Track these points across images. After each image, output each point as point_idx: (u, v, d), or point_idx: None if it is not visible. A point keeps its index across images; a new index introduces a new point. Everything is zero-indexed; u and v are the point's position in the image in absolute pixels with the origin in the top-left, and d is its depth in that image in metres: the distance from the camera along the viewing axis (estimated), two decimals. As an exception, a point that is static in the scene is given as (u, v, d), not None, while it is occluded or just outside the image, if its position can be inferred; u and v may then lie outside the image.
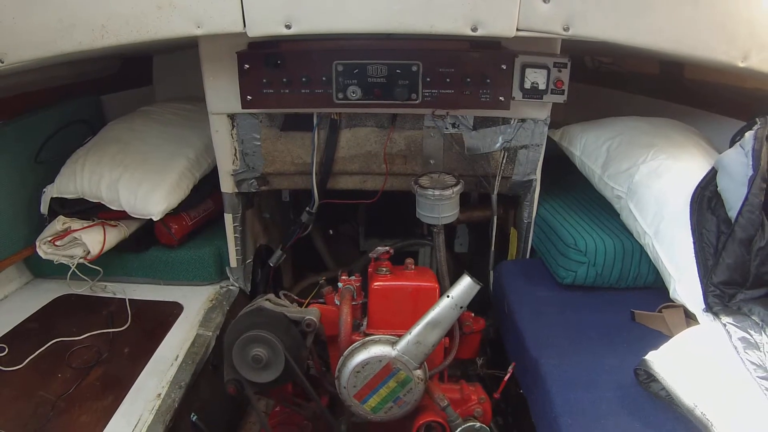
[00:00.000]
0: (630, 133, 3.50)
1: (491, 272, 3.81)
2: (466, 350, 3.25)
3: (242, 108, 3.15)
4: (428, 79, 3.05)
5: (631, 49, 2.91)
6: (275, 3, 2.65)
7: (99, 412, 2.74)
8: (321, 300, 3.12)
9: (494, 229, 3.69)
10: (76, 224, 3.64)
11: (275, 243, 4.29)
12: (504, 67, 3.03)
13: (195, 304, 3.65)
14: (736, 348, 2.51)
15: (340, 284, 3.04)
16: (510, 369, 2.99)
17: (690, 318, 2.83)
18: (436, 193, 3.04)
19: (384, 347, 2.63)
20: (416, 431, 2.83)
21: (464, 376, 3.39)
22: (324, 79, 3.05)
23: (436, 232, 3.21)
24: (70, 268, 3.59)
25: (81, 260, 3.60)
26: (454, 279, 2.68)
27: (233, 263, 3.88)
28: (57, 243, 3.60)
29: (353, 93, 3.05)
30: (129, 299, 3.60)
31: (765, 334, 2.56)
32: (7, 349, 3.14)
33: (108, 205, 3.63)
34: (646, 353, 2.45)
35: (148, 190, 3.58)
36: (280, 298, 3.02)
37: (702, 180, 3.03)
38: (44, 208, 3.76)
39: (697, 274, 2.83)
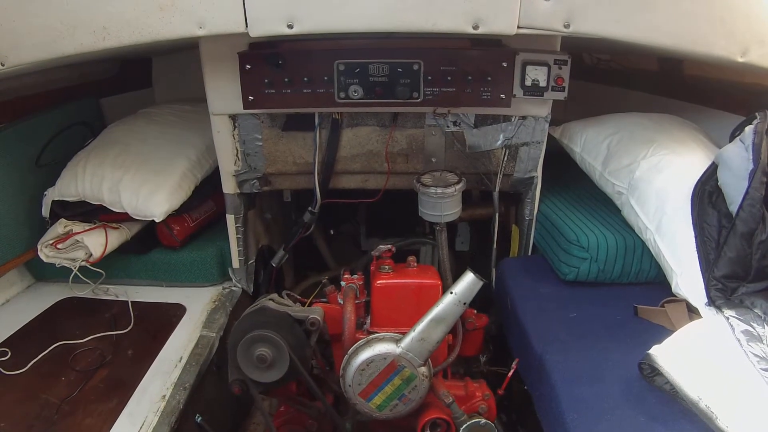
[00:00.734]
0: (630, 129, 3.50)
1: (493, 269, 3.81)
2: (469, 347, 3.25)
3: (244, 108, 3.16)
4: (429, 78, 3.06)
5: (631, 46, 2.91)
6: (277, 3, 2.66)
7: (104, 415, 2.74)
8: (324, 299, 3.12)
9: (496, 226, 3.69)
10: (77, 227, 3.64)
11: (277, 243, 4.30)
12: (505, 64, 3.04)
13: (198, 306, 3.65)
14: (739, 341, 2.51)
15: (342, 283, 3.04)
16: (514, 365, 2.99)
17: (692, 312, 2.83)
18: (438, 191, 3.04)
19: (388, 345, 2.64)
20: (421, 428, 2.83)
21: (468, 373, 3.39)
22: (325, 78, 3.06)
23: (439, 230, 3.21)
24: (72, 271, 3.59)
25: (83, 263, 3.60)
26: (456, 277, 2.68)
27: (236, 264, 3.88)
28: (59, 246, 3.60)
29: (355, 92, 3.06)
30: (132, 301, 3.60)
31: (767, 326, 2.57)
32: (10, 353, 3.13)
33: (110, 207, 3.63)
34: (650, 347, 2.44)
35: (150, 192, 3.58)
36: (283, 297, 3.03)
37: (702, 175, 3.03)
38: (46, 211, 3.76)
39: (699, 269, 2.83)
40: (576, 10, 2.67)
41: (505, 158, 3.43)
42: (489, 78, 3.06)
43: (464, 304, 2.60)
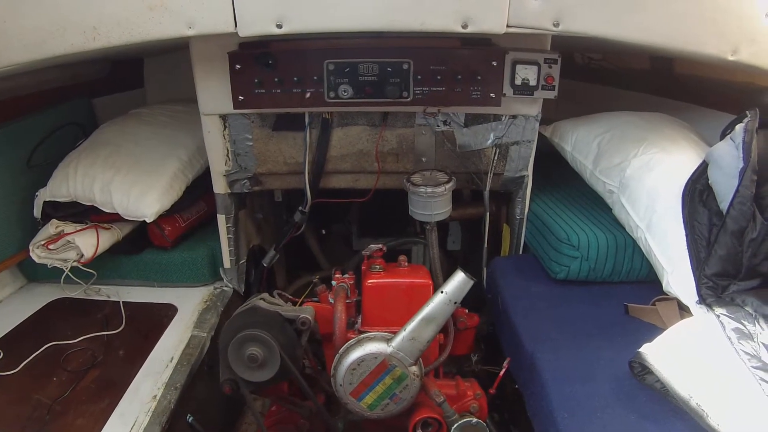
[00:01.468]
0: (621, 128, 3.51)
1: (485, 269, 3.81)
2: (461, 346, 3.25)
3: (234, 108, 3.16)
4: (419, 77, 3.06)
5: (621, 45, 2.92)
6: (266, 2, 2.66)
7: (95, 415, 2.74)
8: (315, 299, 3.12)
9: (487, 225, 3.69)
10: (69, 227, 3.64)
11: (269, 243, 4.29)
12: (494, 63, 3.05)
13: (189, 306, 3.65)
14: (730, 339, 2.52)
15: (333, 282, 3.05)
16: (505, 364, 3.00)
17: (683, 310, 2.83)
18: (428, 191, 3.04)
19: (379, 344, 2.64)
20: (413, 428, 2.83)
21: (460, 372, 3.40)
22: (315, 78, 3.06)
23: (429, 230, 3.22)
24: (64, 271, 3.58)
25: (75, 263, 3.59)
26: (447, 276, 2.68)
27: (227, 264, 3.88)
28: (50, 247, 3.59)
29: (345, 92, 3.06)
30: (123, 302, 3.60)
31: (758, 324, 2.57)
32: (2, 354, 3.13)
33: (101, 208, 3.63)
34: (641, 346, 2.44)
35: (141, 192, 3.58)
36: (274, 297, 3.03)
37: (693, 173, 3.04)
38: (37, 212, 3.76)
39: (690, 267, 2.84)
40: (565, 9, 2.68)
41: (496, 157, 3.43)
42: (479, 77, 3.06)
43: (455, 303, 2.60)
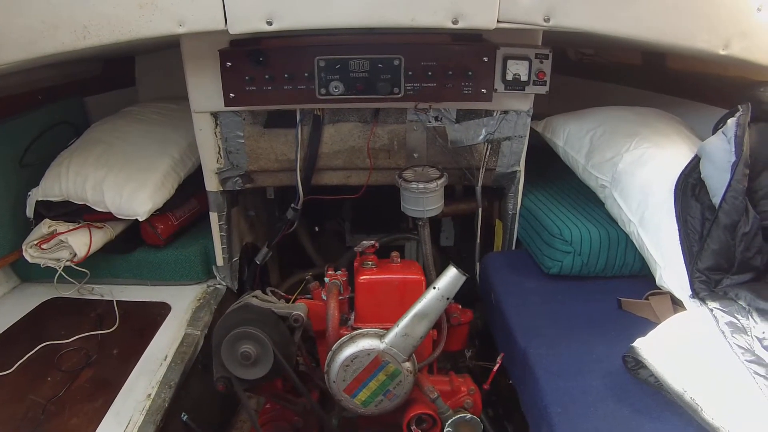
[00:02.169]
0: (613, 123, 3.51)
1: (477, 264, 3.82)
2: (454, 342, 3.25)
3: (225, 106, 3.15)
4: (410, 73, 3.06)
5: (613, 39, 2.92)
6: (256, 0, 2.66)
7: (90, 415, 2.74)
8: (308, 296, 3.12)
9: (479, 221, 3.70)
10: (62, 227, 3.64)
11: (261, 241, 4.30)
12: (486, 59, 3.05)
13: (183, 304, 3.64)
14: (723, 333, 2.52)
15: (326, 279, 3.05)
16: (499, 360, 3.00)
17: (677, 304, 2.84)
18: (420, 186, 3.05)
19: (372, 340, 2.64)
20: (407, 424, 2.84)
21: (454, 368, 3.40)
22: (306, 75, 3.06)
23: (422, 226, 3.23)
24: (57, 271, 3.58)
25: (68, 263, 3.59)
26: (440, 272, 2.68)
27: (220, 262, 3.88)
28: (43, 246, 3.59)
29: (336, 88, 3.06)
30: (117, 301, 3.59)
31: (752, 318, 2.57)
32: (-4, 354, 3.13)
33: (93, 207, 3.62)
34: (634, 340, 2.44)
35: (133, 191, 3.58)
36: (267, 294, 3.02)
37: (685, 167, 3.04)
38: (30, 212, 3.75)
39: (683, 261, 2.85)
40: (556, 4, 2.68)
41: (488, 153, 3.43)
42: (470, 73, 3.06)
43: (447, 299, 2.61)
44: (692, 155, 3.10)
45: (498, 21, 2.70)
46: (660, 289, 2.94)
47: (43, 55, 2.82)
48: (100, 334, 3.33)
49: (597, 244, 3.17)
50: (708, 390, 2.20)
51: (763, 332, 2.50)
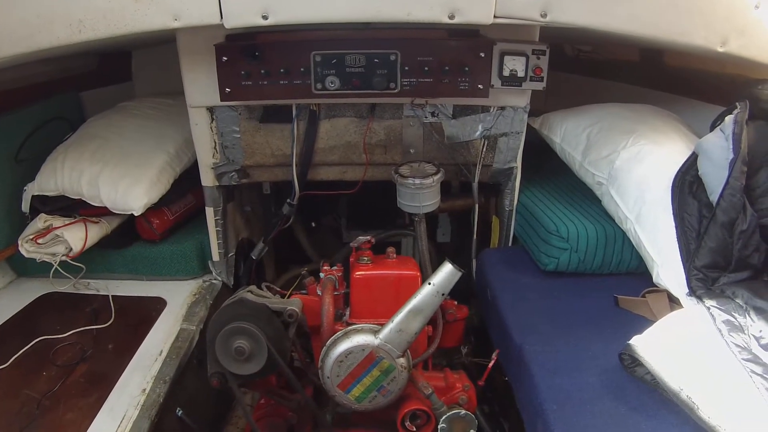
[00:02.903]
0: (610, 120, 3.51)
1: (474, 261, 3.82)
2: (450, 338, 3.26)
3: (221, 100, 3.14)
4: (406, 68, 3.05)
5: (610, 36, 2.92)
6: (252, -6, 2.65)
7: (84, 409, 2.74)
8: (303, 291, 3.12)
9: (476, 217, 3.70)
10: (57, 222, 3.63)
11: (257, 236, 4.30)
12: (482, 54, 3.03)
13: (178, 299, 3.64)
14: (720, 331, 2.51)
15: (321, 275, 3.05)
16: (494, 356, 3.00)
17: (674, 302, 2.84)
18: (416, 182, 3.05)
19: (366, 336, 2.64)
20: (401, 420, 2.84)
21: (449, 364, 3.40)
22: (302, 69, 3.05)
23: (418, 221, 3.23)
24: (53, 266, 3.58)
25: (63, 258, 3.59)
26: (436, 268, 2.68)
27: (215, 257, 3.87)
28: (39, 241, 3.59)
29: (332, 83, 3.04)
30: (112, 296, 3.59)
31: (749, 316, 2.57)
32: (-10, 348, 3.12)
33: (89, 202, 3.62)
34: (631, 338, 2.44)
35: (129, 185, 3.57)
36: (262, 290, 3.02)
37: (683, 165, 3.04)
38: (25, 207, 3.75)
39: (680, 258, 2.84)
40: (553, -1, 2.68)
41: (484, 149, 3.43)
42: (466, 68, 3.05)
43: (442, 294, 2.60)
44: (690, 152, 3.10)
45: (495, 16, 2.69)
46: (657, 286, 2.94)
47: (38, 49, 2.81)
48: (96, 329, 3.32)
49: (594, 241, 3.17)
50: (704, 388, 2.20)
51: (760, 331, 2.49)
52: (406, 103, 3.30)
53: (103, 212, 3.70)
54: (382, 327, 2.65)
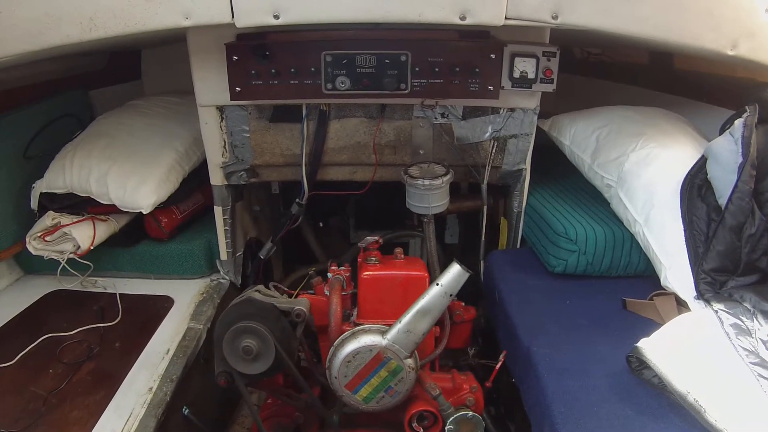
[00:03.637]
0: (619, 122, 3.51)
1: (482, 262, 3.81)
2: (457, 340, 3.26)
3: (231, 100, 3.14)
4: (417, 69, 3.04)
5: (620, 38, 2.91)
6: (263, -7, 2.65)
7: (91, 407, 2.74)
8: (311, 291, 3.12)
9: (484, 219, 3.68)
10: (65, 219, 3.64)
11: (265, 235, 4.31)
12: (493, 56, 3.03)
13: (186, 298, 3.65)
14: (728, 334, 2.51)
15: (329, 274, 3.04)
16: (501, 358, 2.99)
17: (681, 305, 2.83)
18: (425, 183, 3.05)
19: (374, 336, 2.64)
20: (408, 421, 2.83)
21: (456, 366, 3.39)
22: (313, 69, 3.05)
23: (426, 222, 3.23)
24: (61, 263, 3.59)
25: (71, 255, 3.59)
26: (444, 269, 2.68)
27: (223, 256, 3.88)
28: (47, 238, 3.59)
29: (342, 83, 3.04)
30: (119, 294, 3.60)
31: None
32: (-2, 346, 3.12)
33: (97, 199, 3.62)
34: (638, 341, 2.43)
35: (138, 183, 3.58)
36: (269, 289, 3.02)
37: (692, 168, 3.03)
38: (34, 204, 3.75)
39: (688, 262, 2.84)
40: (564, 1, 2.67)
41: (494, 150, 3.43)
42: (477, 69, 3.05)
43: (450, 295, 2.60)
44: (698, 156, 3.09)
45: (506, 18, 2.69)
46: (665, 289, 2.93)
47: (48, 47, 2.81)
48: (103, 327, 3.33)
49: (602, 244, 3.16)
50: (712, 392, 2.19)
51: (768, 334, 2.49)
52: (417, 103, 3.30)
53: (111, 210, 3.70)
54: (390, 327, 2.65)
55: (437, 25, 2.76)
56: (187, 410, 2.97)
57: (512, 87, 3.11)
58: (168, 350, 3.15)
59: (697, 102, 4.00)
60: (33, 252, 3.60)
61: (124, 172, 3.60)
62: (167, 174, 3.73)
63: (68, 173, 3.62)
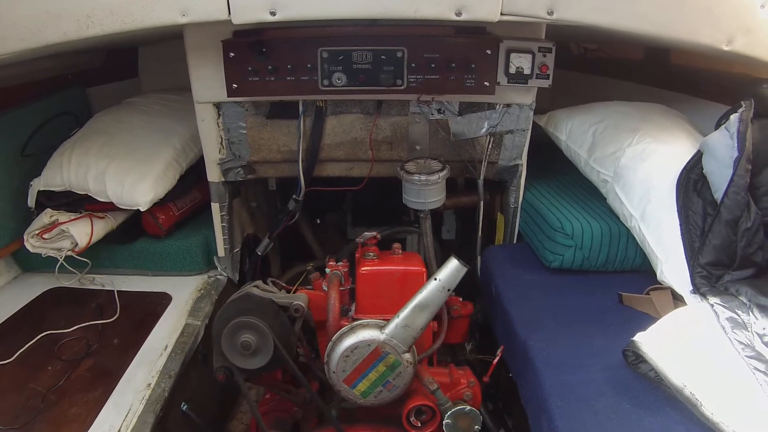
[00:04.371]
0: (615, 118, 3.52)
1: (479, 257, 3.82)
2: (454, 335, 3.26)
3: (228, 96, 3.15)
4: (413, 65, 3.05)
5: (616, 34, 2.93)
6: (259, -10, 2.65)
7: (89, 404, 2.74)
8: (309, 286, 3.12)
9: (481, 214, 3.69)
10: (63, 217, 3.64)
11: (263, 232, 4.32)
12: (489, 52, 3.04)
13: (183, 294, 3.65)
14: (723, 328, 2.52)
15: (327, 270, 3.05)
16: (499, 353, 3.00)
17: (677, 299, 2.84)
18: (422, 179, 3.06)
19: (372, 331, 2.63)
20: (406, 415, 2.84)
21: (453, 361, 3.39)
22: (309, 66, 3.05)
23: (423, 218, 3.24)
24: (59, 261, 3.59)
25: (69, 253, 3.60)
26: (441, 264, 2.68)
27: (221, 252, 3.88)
28: (45, 236, 3.60)
29: (338, 79, 3.05)
30: (117, 291, 3.60)
31: (752, 314, 2.58)
32: (-4, 343, 3.13)
33: (95, 197, 3.62)
34: (635, 335, 2.45)
35: (135, 181, 3.58)
36: (268, 285, 3.02)
37: (688, 163, 3.05)
38: (31, 202, 3.75)
39: (684, 256, 2.85)
40: (559, -3, 2.68)
41: (490, 146, 3.43)
42: (473, 65, 3.06)
43: (448, 290, 2.60)
44: (694, 151, 3.11)
45: (501, 13, 2.70)
46: (661, 283, 2.95)
47: (46, 44, 2.82)
48: (101, 323, 3.33)
49: (598, 239, 3.17)
50: (708, 385, 2.21)
51: (764, 328, 2.50)
52: (413, 99, 3.31)
53: (108, 207, 3.70)
54: (388, 322, 2.64)
55: (433, 21, 2.77)
56: (185, 406, 2.98)
57: (508, 83, 3.13)
58: (166, 346, 3.15)
59: (693, 97, 4.02)
60: (31, 250, 3.61)
61: (122, 170, 3.60)
62: (164, 171, 3.74)
63: (66, 171, 3.62)
